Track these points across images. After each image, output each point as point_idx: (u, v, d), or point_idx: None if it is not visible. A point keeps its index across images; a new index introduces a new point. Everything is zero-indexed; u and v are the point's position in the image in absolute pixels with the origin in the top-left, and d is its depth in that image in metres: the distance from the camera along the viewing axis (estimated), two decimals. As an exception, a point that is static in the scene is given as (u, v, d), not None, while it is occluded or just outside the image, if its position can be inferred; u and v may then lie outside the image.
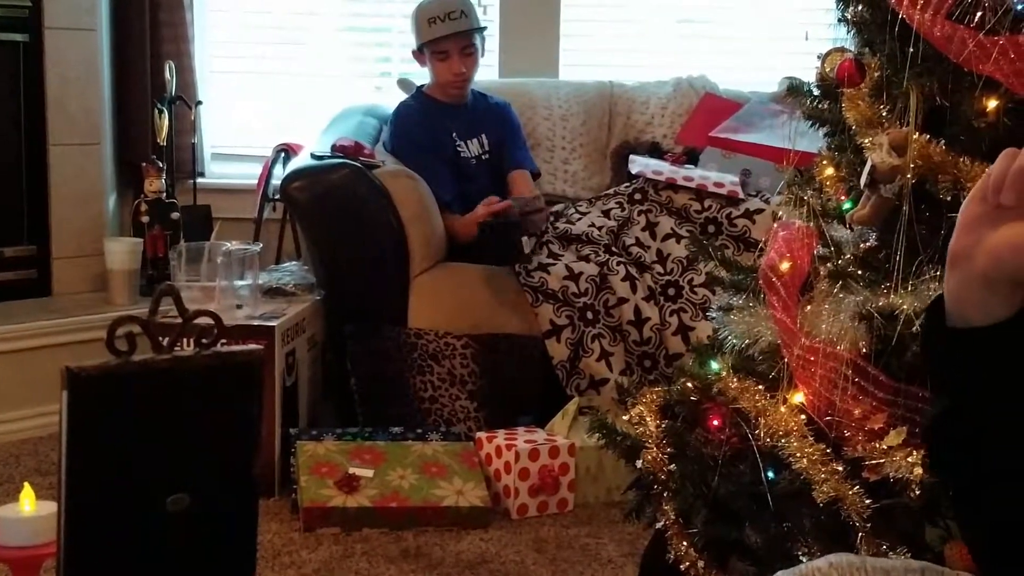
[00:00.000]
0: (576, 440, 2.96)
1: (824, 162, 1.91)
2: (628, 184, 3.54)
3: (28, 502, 1.44)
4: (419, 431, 3.04)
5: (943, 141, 1.66)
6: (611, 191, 3.60)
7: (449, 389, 3.20)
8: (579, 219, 3.44)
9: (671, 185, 3.41)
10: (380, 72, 4.43)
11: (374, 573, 2.52)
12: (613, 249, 3.31)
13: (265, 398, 2.88)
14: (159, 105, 3.89)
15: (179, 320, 1.27)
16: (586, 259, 3.29)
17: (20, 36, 3.56)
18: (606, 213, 3.41)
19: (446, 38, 3.50)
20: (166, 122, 3.89)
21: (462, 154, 3.58)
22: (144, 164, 3.79)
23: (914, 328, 1.61)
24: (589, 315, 3.21)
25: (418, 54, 3.59)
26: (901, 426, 1.60)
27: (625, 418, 2.04)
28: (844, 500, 1.61)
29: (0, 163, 3.61)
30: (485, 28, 3.66)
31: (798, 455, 1.66)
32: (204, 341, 1.25)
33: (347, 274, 3.33)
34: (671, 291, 3.24)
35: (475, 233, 3.37)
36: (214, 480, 1.28)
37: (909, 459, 1.56)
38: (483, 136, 3.64)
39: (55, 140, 3.65)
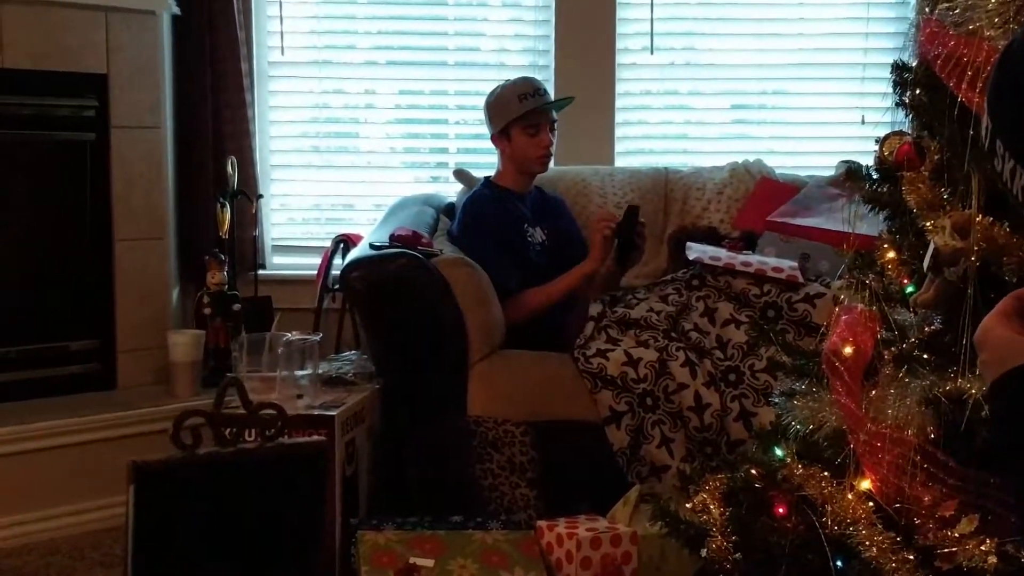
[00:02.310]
0: (638, 528, 2.92)
1: (885, 245, 1.90)
2: (685, 270, 3.53)
3: (94, 596, 1.44)
4: (479, 520, 3.01)
5: (1007, 223, 1.65)
6: (668, 277, 3.59)
7: (509, 477, 3.18)
8: (637, 304, 3.43)
9: (729, 270, 3.39)
10: (436, 163, 4.49)
11: (436, 666, 2.49)
12: (672, 335, 3.30)
13: (326, 488, 2.87)
14: (221, 199, 3.96)
15: (242, 411, 1.27)
16: (645, 344, 3.27)
17: (87, 135, 3.65)
18: (664, 299, 3.40)
19: (540, 111, 3.56)
20: (228, 216, 3.96)
21: (530, 240, 3.61)
22: (207, 257, 3.85)
23: (983, 413, 1.58)
24: (649, 401, 3.19)
25: (499, 138, 3.63)
26: (972, 513, 1.57)
27: (688, 506, 2.02)
28: (916, 589, 1.57)
29: (67, 258, 3.69)
30: (573, 99, 3.73)
31: (867, 543, 1.63)
32: (268, 433, 1.26)
33: (406, 362, 3.34)
34: (732, 376, 3.21)
35: (601, 258, 3.46)
36: (280, 570, 1.27)
37: (982, 547, 1.53)
38: (544, 226, 3.67)
39: (121, 235, 3.72)
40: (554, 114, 3.63)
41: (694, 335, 3.28)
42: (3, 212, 3.59)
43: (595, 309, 3.48)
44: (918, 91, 1.86)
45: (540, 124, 3.59)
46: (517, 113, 3.57)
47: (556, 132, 3.64)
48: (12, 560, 3.10)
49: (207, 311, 3.82)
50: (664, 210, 4.08)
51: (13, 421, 3.33)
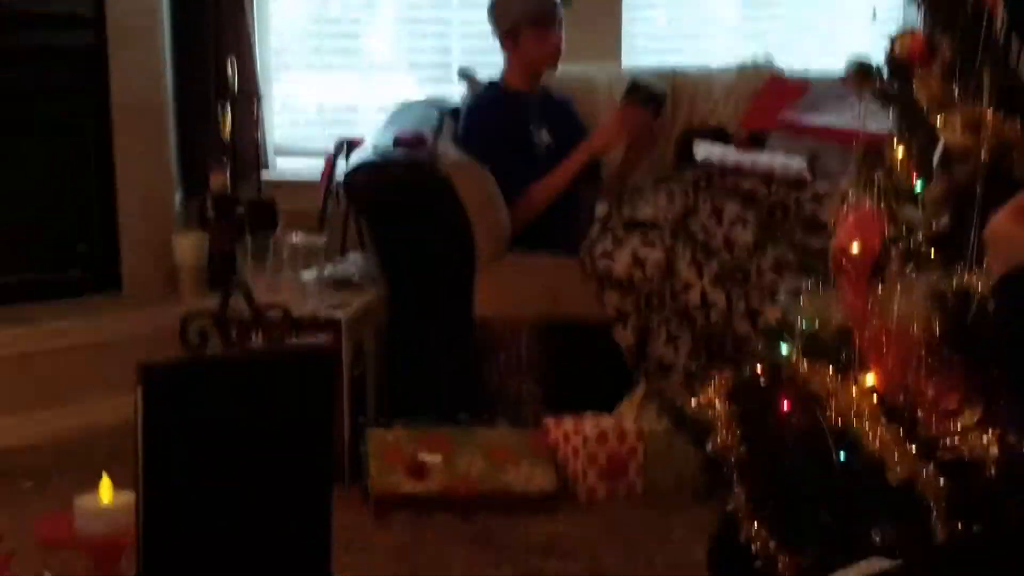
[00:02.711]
0: (644, 425, 2.95)
1: (895, 142, 1.89)
2: (693, 170, 3.51)
3: (106, 492, 1.46)
4: (486, 417, 3.05)
5: (1018, 120, 1.63)
6: (676, 176, 3.57)
7: (515, 374, 3.20)
8: (644, 204, 3.42)
9: (737, 170, 3.38)
10: (439, 64, 4.43)
11: (445, 557, 2.54)
12: (679, 234, 3.29)
13: (335, 390, 2.90)
14: (222, 102, 3.92)
15: (249, 313, 1.28)
16: (651, 245, 3.27)
17: (85, 36, 3.61)
18: (671, 198, 3.39)
19: (547, 10, 3.52)
20: (229, 118, 3.92)
21: (536, 143, 3.59)
22: (208, 160, 3.83)
23: (988, 308, 1.58)
24: (655, 301, 3.20)
25: (506, 39, 3.58)
26: (975, 406, 1.58)
27: (694, 402, 2.03)
28: (918, 481, 1.59)
29: (69, 163, 3.67)
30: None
31: (871, 436, 1.65)
32: (275, 334, 1.26)
33: (411, 265, 3.35)
34: (738, 275, 3.20)
35: (610, 142, 3.47)
36: (289, 468, 1.29)
37: (984, 439, 1.54)
38: (552, 128, 3.64)
39: (121, 137, 3.70)
40: (561, 11, 3.58)
41: (701, 235, 3.28)
42: (4, 115, 3.56)
43: (601, 210, 3.47)
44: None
45: (548, 23, 3.54)
46: (523, 13, 3.52)
47: (564, 29, 3.59)
48: (23, 458, 3.15)
49: (211, 214, 3.81)
50: (672, 110, 4.04)
51: (22, 323, 3.35)
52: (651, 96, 3.48)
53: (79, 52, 3.63)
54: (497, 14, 3.58)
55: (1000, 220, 1.27)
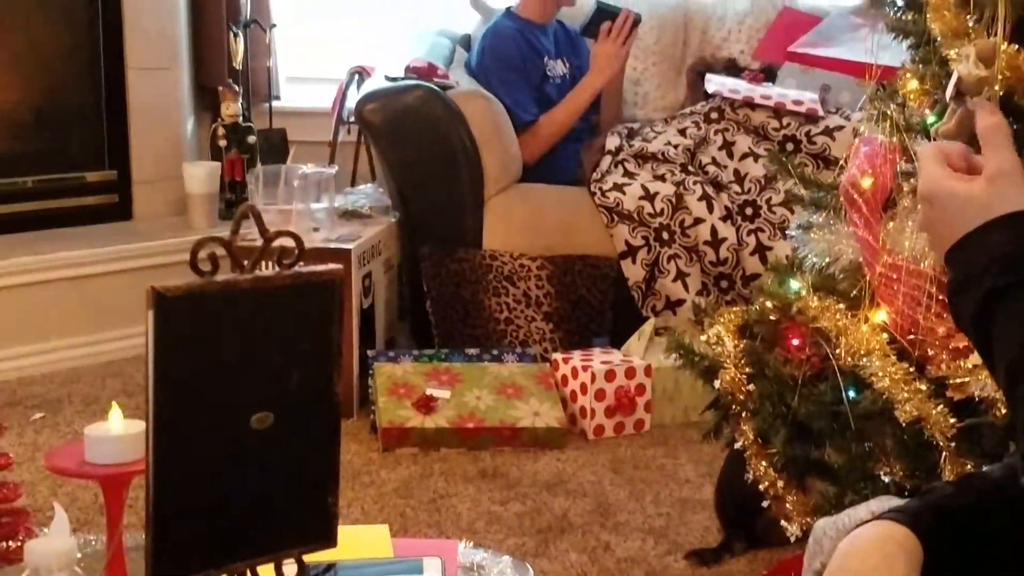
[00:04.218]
0: (652, 361, 2.95)
1: (908, 75, 1.86)
2: (704, 103, 3.49)
3: (116, 421, 1.47)
4: (495, 352, 3.05)
5: (1034, 52, 1.61)
6: (687, 110, 3.55)
7: (524, 310, 3.21)
8: (655, 138, 3.40)
9: (748, 103, 3.35)
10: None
11: (452, 492, 2.55)
12: (689, 168, 3.28)
13: (343, 320, 2.91)
14: (234, 29, 3.89)
15: (259, 242, 1.27)
16: (662, 179, 3.26)
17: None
18: (682, 132, 3.37)
19: None
20: (241, 46, 3.90)
21: (549, 74, 3.56)
22: (220, 88, 3.81)
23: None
24: (665, 235, 3.19)
25: None
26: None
27: (703, 338, 2.03)
28: (927, 419, 1.59)
29: (80, 89, 3.65)
30: None
31: (880, 374, 1.65)
32: (285, 262, 1.25)
33: (422, 196, 3.34)
34: (748, 211, 3.20)
35: (610, 74, 3.47)
36: (297, 399, 1.29)
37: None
38: (566, 59, 3.61)
39: (133, 65, 3.68)
40: None
41: (711, 169, 3.26)
42: (14, 42, 3.54)
43: (612, 143, 3.45)
44: (948, -86, 1.80)
45: None
46: None
47: None
48: (34, 387, 3.17)
49: (222, 143, 3.80)
50: (684, 41, 3.99)
51: (33, 251, 3.35)
52: (612, 13, 3.45)
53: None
54: None
55: (938, 174, 1.08)
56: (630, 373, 2.92)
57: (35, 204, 3.56)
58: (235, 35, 3.88)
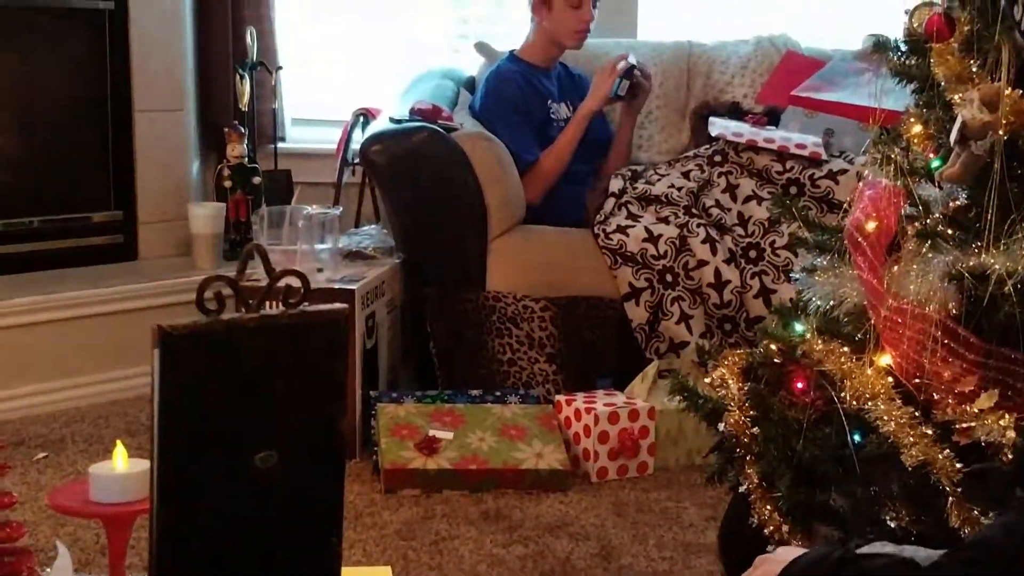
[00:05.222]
0: (656, 403, 2.95)
1: (912, 119, 1.87)
2: (708, 146, 3.50)
3: (121, 459, 1.47)
4: (498, 394, 3.05)
5: (1037, 96, 1.62)
6: (690, 153, 3.57)
7: (528, 352, 3.20)
8: (658, 180, 3.41)
9: (752, 147, 3.36)
10: (457, 35, 4.42)
11: (454, 534, 2.54)
12: (693, 211, 3.29)
13: (347, 355, 2.91)
14: (240, 70, 3.92)
15: (265, 282, 1.28)
16: (665, 221, 3.27)
17: (105, 3, 3.61)
18: (686, 175, 3.38)
19: None
20: (247, 87, 3.93)
21: (553, 117, 3.58)
22: (226, 129, 3.83)
23: (1006, 288, 1.57)
24: (668, 278, 3.19)
25: (539, 6, 3.54)
26: (993, 389, 1.57)
27: (707, 381, 2.02)
28: (934, 464, 1.58)
29: (87, 130, 3.68)
30: None
31: (886, 418, 1.64)
32: (291, 301, 1.26)
33: (425, 237, 3.35)
34: (752, 254, 3.20)
35: (606, 93, 3.49)
36: (302, 438, 1.29)
37: (1001, 422, 1.53)
38: (569, 102, 3.63)
39: (141, 106, 3.71)
40: None
41: (715, 211, 3.27)
42: (24, 83, 3.57)
43: (616, 185, 3.46)
44: (949, -40, 1.81)
45: None
46: None
47: (597, 10, 3.57)
48: (37, 427, 3.16)
49: (227, 184, 3.82)
50: (687, 84, 4.02)
51: (37, 291, 3.36)
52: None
53: (101, 17, 3.63)
54: None
55: None
56: (633, 415, 2.91)
57: (41, 244, 3.58)
58: (241, 77, 3.91)
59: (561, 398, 3.02)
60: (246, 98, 3.92)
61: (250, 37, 3.91)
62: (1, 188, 3.58)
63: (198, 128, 3.99)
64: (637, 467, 2.92)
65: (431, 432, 2.85)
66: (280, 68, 4.12)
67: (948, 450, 1.58)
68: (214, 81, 4.01)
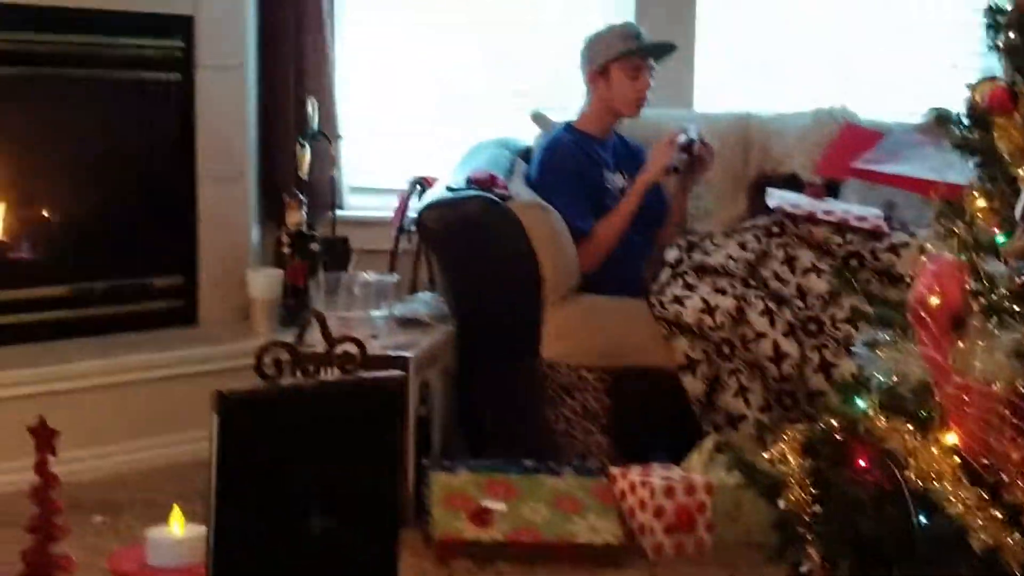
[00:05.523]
0: (713, 478, 2.90)
1: (975, 193, 1.85)
2: (765, 217, 3.48)
3: (177, 524, 1.47)
4: (552, 465, 3.02)
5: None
6: (748, 224, 3.55)
7: (582, 423, 3.18)
8: (715, 250, 3.39)
9: (811, 219, 3.34)
10: (515, 107, 4.45)
11: (507, 607, 2.51)
12: (750, 282, 3.25)
13: (403, 422, 2.90)
14: (301, 140, 3.98)
15: (321, 347, 1.28)
16: (722, 292, 3.24)
17: (174, 75, 3.71)
18: (743, 245, 3.35)
19: (642, 53, 3.53)
20: (308, 156, 3.98)
21: (608, 186, 3.58)
22: (286, 197, 3.88)
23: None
24: (726, 349, 3.16)
25: (596, 76, 3.58)
26: (1063, 469, 1.54)
27: (766, 456, 2.00)
28: (1003, 549, 1.54)
29: (151, 197, 3.74)
30: (676, 48, 3.69)
31: (952, 499, 1.60)
32: (348, 367, 1.26)
33: (480, 304, 3.35)
34: (812, 327, 3.16)
35: (664, 165, 3.48)
36: (357, 504, 1.29)
37: (1073, 504, 1.49)
38: (624, 172, 3.63)
39: (204, 174, 3.77)
40: (652, 61, 3.58)
41: (773, 283, 3.24)
42: (91, 151, 3.64)
43: (672, 255, 3.44)
44: (1011, 33, 1.81)
45: (641, 66, 3.54)
46: (620, 51, 3.52)
47: (654, 79, 3.59)
48: (95, 491, 3.17)
49: (286, 250, 3.86)
50: (744, 156, 4.02)
51: (99, 355, 3.40)
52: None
53: (168, 88, 3.72)
54: (592, 50, 3.58)
55: None
56: (690, 490, 2.87)
57: (104, 309, 3.63)
58: (302, 146, 3.97)
59: (616, 470, 2.99)
60: (306, 166, 3.98)
61: (311, 107, 3.97)
62: (69, 253, 3.64)
63: (259, 196, 4.05)
64: (694, 544, 2.86)
65: (484, 503, 2.82)
66: (340, 137, 4.18)
67: (1018, 534, 1.54)
68: (276, 150, 4.07)
